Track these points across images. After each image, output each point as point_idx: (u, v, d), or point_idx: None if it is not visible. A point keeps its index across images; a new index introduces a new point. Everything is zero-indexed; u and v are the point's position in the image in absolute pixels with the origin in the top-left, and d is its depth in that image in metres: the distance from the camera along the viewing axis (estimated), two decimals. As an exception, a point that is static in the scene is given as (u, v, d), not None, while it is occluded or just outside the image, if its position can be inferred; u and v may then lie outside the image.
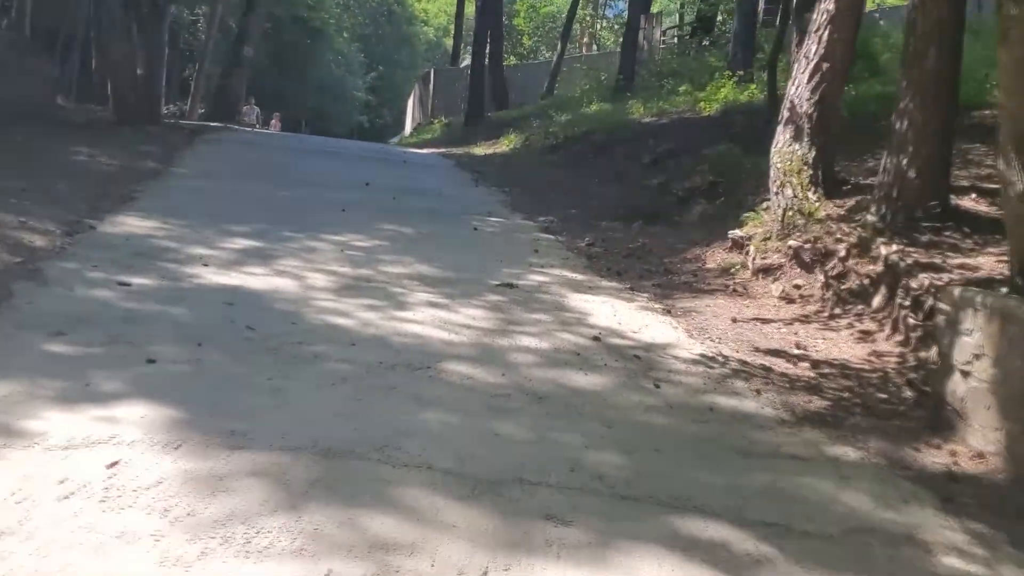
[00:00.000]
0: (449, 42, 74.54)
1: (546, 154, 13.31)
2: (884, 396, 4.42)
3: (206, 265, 5.53)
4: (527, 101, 24.96)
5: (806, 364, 4.87)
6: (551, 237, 8.04)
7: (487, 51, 20.74)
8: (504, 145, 15.77)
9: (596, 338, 5.00)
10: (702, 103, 13.05)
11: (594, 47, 33.75)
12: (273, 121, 26.53)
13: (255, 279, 5.35)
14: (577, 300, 5.88)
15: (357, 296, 5.29)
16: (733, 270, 6.74)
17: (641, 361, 4.67)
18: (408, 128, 32.42)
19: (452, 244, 7.28)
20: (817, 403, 4.29)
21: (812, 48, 7.02)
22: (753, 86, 13.42)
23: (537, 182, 11.11)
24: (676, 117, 13.01)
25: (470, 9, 38.62)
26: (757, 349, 5.09)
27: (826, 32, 6.95)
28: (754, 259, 6.58)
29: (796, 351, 5.09)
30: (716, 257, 7.13)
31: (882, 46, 11.31)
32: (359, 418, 3.42)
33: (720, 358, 4.84)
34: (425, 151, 16.50)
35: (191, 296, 4.84)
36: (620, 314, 5.62)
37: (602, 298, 6.00)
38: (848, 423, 4.06)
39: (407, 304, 5.26)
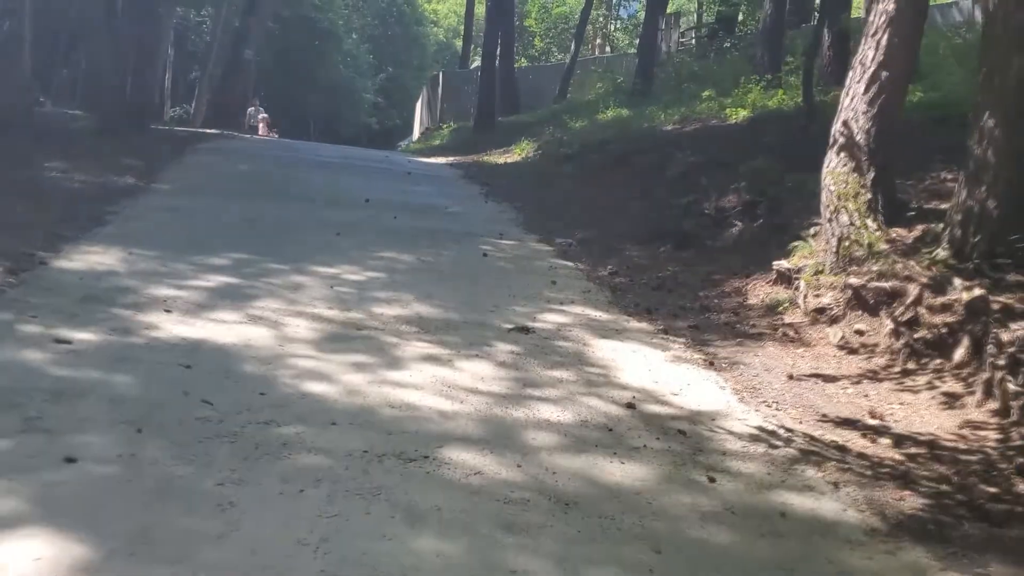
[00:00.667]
0: (459, 43, 73.79)
1: (561, 164, 12.46)
2: (993, 490, 3.55)
3: (168, 311, 4.70)
4: (539, 105, 24.10)
5: (887, 440, 4.01)
6: (569, 264, 7.19)
7: (498, 53, 19.86)
8: (516, 154, 14.92)
9: (630, 404, 4.15)
10: (728, 110, 12.17)
11: (607, 49, 32.86)
12: (260, 126, 25.12)
13: (224, 329, 4.52)
14: (603, 348, 5.03)
15: (343, 350, 4.46)
16: (781, 308, 5.88)
17: (687, 439, 3.82)
18: (416, 132, 31.59)
19: (458, 275, 6.45)
20: (912, 501, 3.42)
21: (869, 54, 6.15)
22: (781, 91, 12.54)
23: (552, 197, 10.26)
24: (700, 125, 12.14)
25: (480, 11, 37.80)
26: (824, 418, 4.23)
27: (885, 36, 6.08)
28: (806, 297, 5.72)
29: (871, 421, 4.22)
30: (759, 291, 6.27)
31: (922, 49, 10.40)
32: (330, 552, 2.58)
33: (782, 432, 3.99)
34: (432, 160, 15.68)
35: (142, 357, 4.02)
36: (655, 368, 4.78)
37: (632, 345, 5.16)
38: (957, 534, 3.19)
39: (401, 360, 4.42)
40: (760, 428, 3.99)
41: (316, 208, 8.38)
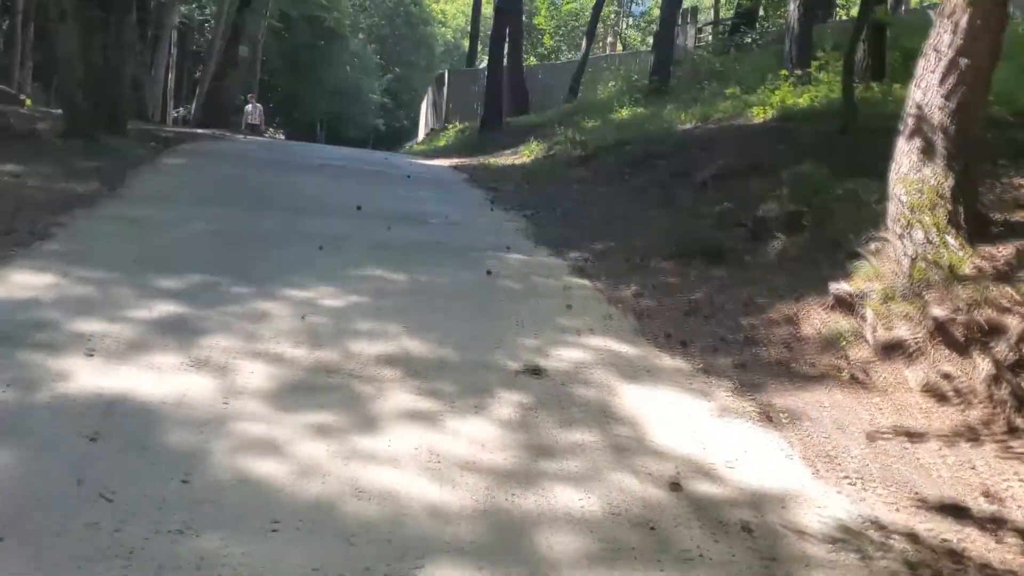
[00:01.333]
0: (467, 44, 73.14)
1: (574, 167, 11.51)
2: None
3: (91, 353, 3.76)
4: (548, 104, 23.17)
5: (1014, 537, 3.03)
6: (587, 284, 6.22)
7: (505, 51, 18.89)
8: (525, 155, 13.97)
9: (675, 484, 3.19)
10: (755, 108, 11.20)
11: (618, 47, 31.90)
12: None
13: (155, 379, 3.58)
14: (633, 397, 4.07)
15: (305, 406, 3.51)
16: (843, 342, 4.89)
17: (755, 539, 2.86)
18: (421, 133, 30.68)
19: (457, 299, 5.50)
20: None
21: (945, 38, 5.16)
22: (813, 87, 11.57)
23: (565, 204, 9.30)
24: (725, 124, 11.17)
25: (488, 9, 36.89)
26: (924, 502, 3.25)
27: (965, 17, 5.10)
28: (875, 329, 4.74)
29: (986, 505, 3.25)
30: (814, 319, 5.28)
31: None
32: None
33: (875, 528, 3.02)
34: (435, 162, 14.73)
35: (37, 423, 3.08)
36: (700, 426, 3.82)
37: (667, 392, 4.20)
38: None
39: (378, 420, 3.48)
40: (846, 528, 3.01)
41: (299, 218, 7.43)
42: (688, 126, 11.47)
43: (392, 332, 4.58)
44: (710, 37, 21.00)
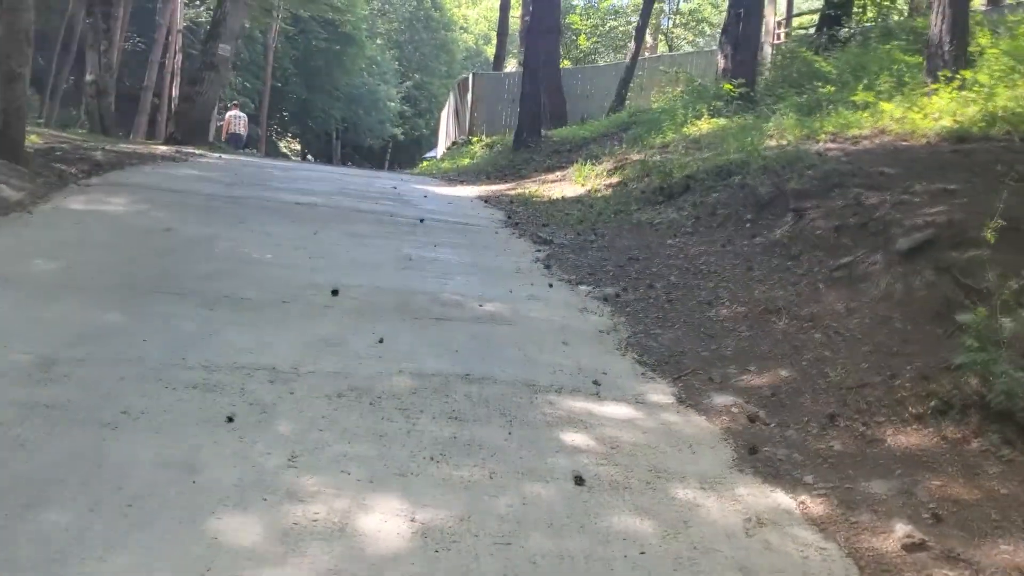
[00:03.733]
0: (490, 51, 69.97)
1: (656, 205, 8.15)
2: None
3: None
4: (588, 114, 19.83)
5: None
6: (780, 498, 2.88)
7: (540, 52, 15.52)
8: (576, 181, 10.63)
9: None
10: (925, 120, 7.83)
11: (661, 48, 28.53)
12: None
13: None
14: None
15: None
16: None
17: None
18: (441, 146, 27.29)
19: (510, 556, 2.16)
20: None
21: None
22: (974, 93, 8.21)
23: (662, 272, 5.95)
24: (875, 144, 7.78)
25: (514, 15, 33.58)
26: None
27: None
28: None
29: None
30: None
31: None
32: None
33: None
34: (459, 190, 11.39)
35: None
36: None
37: None
38: None
39: None
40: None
41: (219, 319, 4.13)
42: (819, 146, 8.08)
43: None
44: (790, 33, 17.58)
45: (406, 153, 72.98)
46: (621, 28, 27.92)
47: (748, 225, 6.67)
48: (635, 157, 10.71)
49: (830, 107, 9.95)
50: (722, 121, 11.59)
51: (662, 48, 27.31)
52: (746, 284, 5.42)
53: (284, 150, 66.70)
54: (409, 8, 69.86)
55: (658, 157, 10.17)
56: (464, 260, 6.29)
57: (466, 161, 17.18)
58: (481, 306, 5.03)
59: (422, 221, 7.63)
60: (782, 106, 10.95)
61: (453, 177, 13.42)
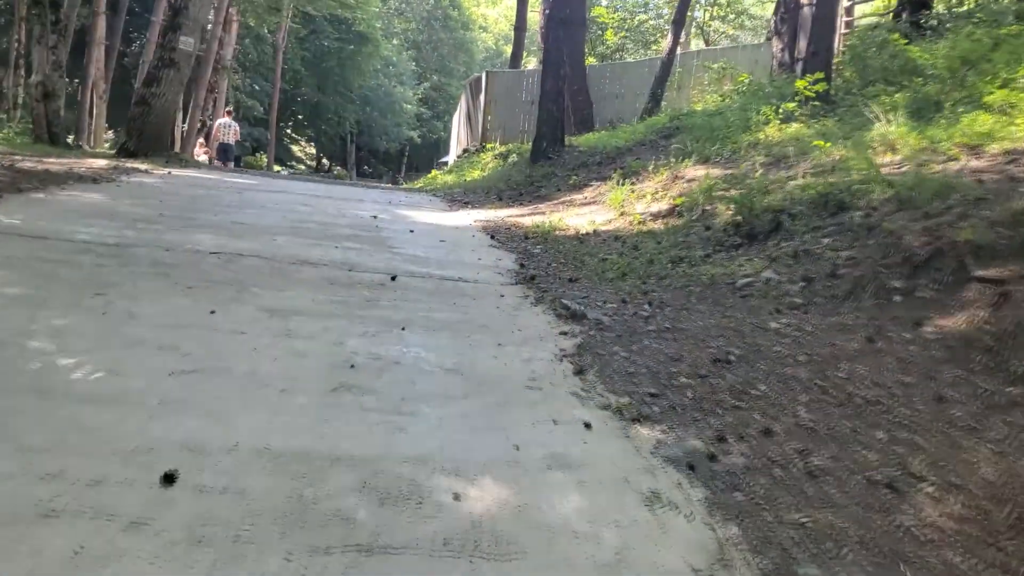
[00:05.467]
0: (509, 51, 67.78)
1: (728, 248, 5.70)
2: None
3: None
4: (619, 117, 17.39)
5: None
6: None
7: (563, 49, 13.01)
8: (611, 206, 8.20)
9: None
10: None
11: (694, 43, 25.97)
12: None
13: None
14: None
15: None
16: None
17: None
18: (452, 154, 24.83)
19: None
20: None
21: None
22: None
23: (781, 393, 3.51)
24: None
25: (533, 11, 31.17)
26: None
27: None
28: None
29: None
30: None
31: None
32: None
33: None
34: (462, 216, 8.95)
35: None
36: None
37: None
38: None
39: None
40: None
41: None
42: (956, 165, 5.59)
43: None
44: (840, 23, 15.01)
45: (423, 156, 70.78)
46: (651, 22, 25.41)
47: (900, 299, 4.19)
48: (689, 175, 8.25)
49: (948, 110, 7.46)
50: (796, 127, 9.12)
51: (696, 43, 24.74)
52: (948, 439, 2.95)
53: (298, 154, 64.75)
54: (426, 7, 67.62)
55: (721, 176, 7.71)
56: (444, 362, 3.85)
57: (475, 174, 14.73)
58: (458, 500, 2.60)
59: (394, 279, 5.21)
60: (875, 107, 8.43)
61: (457, 197, 10.99)
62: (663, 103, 16.20)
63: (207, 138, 22.42)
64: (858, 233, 5.05)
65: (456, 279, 5.45)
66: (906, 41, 10.62)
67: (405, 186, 19.01)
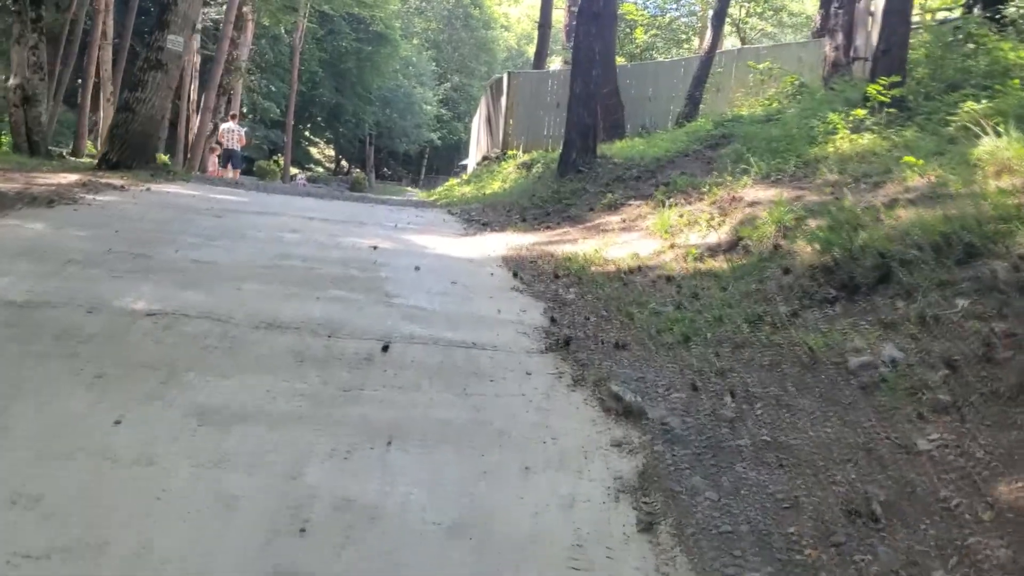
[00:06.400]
0: (532, 51, 66.57)
1: (821, 302, 4.40)
2: None
3: None
4: (652, 122, 16.07)
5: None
6: None
7: (595, 47, 11.62)
8: (657, 233, 6.89)
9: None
10: None
11: (728, 42, 24.52)
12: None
13: None
14: None
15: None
16: None
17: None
18: (472, 160, 23.52)
19: None
20: None
21: None
22: None
23: (953, 562, 2.19)
24: None
25: (558, 7, 29.86)
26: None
27: None
28: None
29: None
30: None
31: None
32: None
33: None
34: (476, 245, 7.65)
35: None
36: None
37: None
38: None
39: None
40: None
41: None
42: None
43: None
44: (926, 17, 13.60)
45: (443, 158, 69.57)
46: (683, 19, 24.05)
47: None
48: (749, 196, 6.94)
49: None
50: (870, 139, 7.77)
51: (730, 42, 23.33)
52: None
53: (316, 156, 63.76)
54: (447, 5, 66.39)
55: (791, 199, 6.39)
56: (445, 512, 2.59)
57: (496, 186, 13.42)
58: None
59: (386, 349, 3.95)
60: (964, 115, 7.05)
61: (474, 215, 9.71)
62: (701, 106, 14.85)
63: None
64: (1008, 295, 3.73)
65: (469, 345, 4.18)
66: (997, 37, 9.25)
67: (421, 195, 17.75)
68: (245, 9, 30.61)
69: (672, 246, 6.36)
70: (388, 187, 55.71)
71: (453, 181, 19.94)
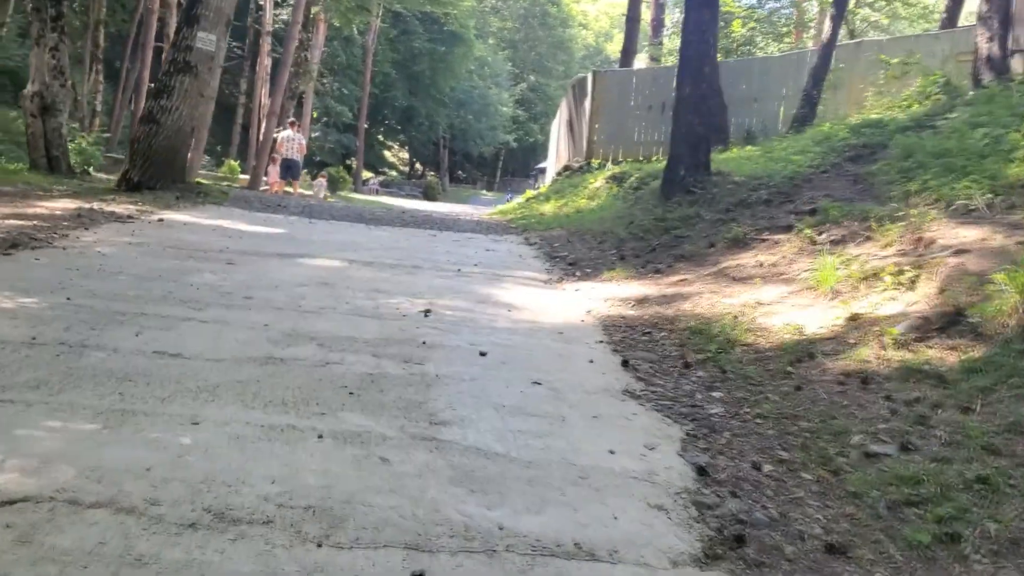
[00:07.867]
0: (611, 48, 64.06)
1: None
2: None
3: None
4: (762, 126, 13.94)
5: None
6: None
7: (709, 40, 9.49)
8: (817, 287, 4.93)
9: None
10: None
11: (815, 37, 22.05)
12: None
13: None
14: None
15: None
16: None
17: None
18: (551, 169, 21.58)
19: None
20: None
21: None
22: None
23: None
24: None
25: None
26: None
27: None
28: None
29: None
30: None
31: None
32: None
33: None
34: (567, 301, 5.80)
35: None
36: None
37: None
38: None
39: None
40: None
41: None
42: None
43: None
44: None
45: (519, 160, 67.78)
46: (784, 10, 21.72)
47: None
48: (945, 237, 4.90)
49: None
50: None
51: (844, 34, 20.84)
52: None
53: (390, 159, 62.79)
54: (523, 4, 64.54)
55: (1008, 243, 4.37)
56: None
57: (582, 203, 11.48)
58: None
59: (420, 577, 2.10)
60: None
61: (559, 249, 7.83)
62: (818, 108, 12.69)
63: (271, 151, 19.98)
64: None
65: (566, 554, 2.32)
66: None
67: (493, 213, 15.90)
68: (315, 9, 29.41)
69: (853, 317, 4.38)
70: (462, 191, 54.31)
71: (530, 193, 18.06)
